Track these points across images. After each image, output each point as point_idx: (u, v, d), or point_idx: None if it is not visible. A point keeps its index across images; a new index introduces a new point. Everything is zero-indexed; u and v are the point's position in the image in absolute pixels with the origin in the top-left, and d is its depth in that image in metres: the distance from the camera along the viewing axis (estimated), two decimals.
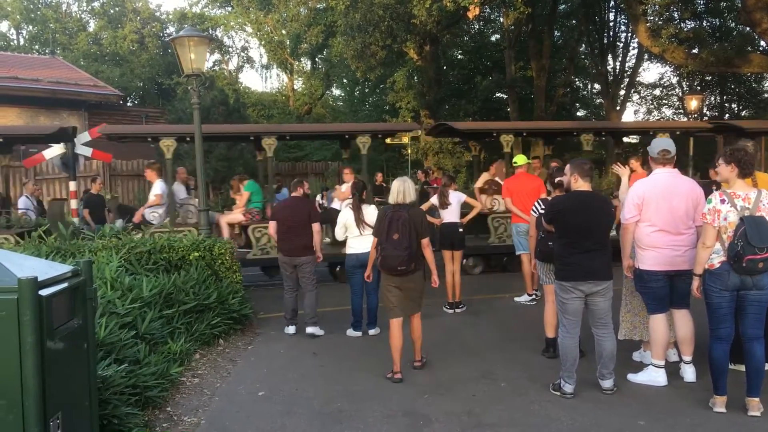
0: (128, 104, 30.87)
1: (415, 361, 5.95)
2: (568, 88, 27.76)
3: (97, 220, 11.61)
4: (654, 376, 5.29)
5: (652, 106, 33.09)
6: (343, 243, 7.51)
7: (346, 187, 10.72)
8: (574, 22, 26.45)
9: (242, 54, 40.69)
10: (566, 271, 5.03)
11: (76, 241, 7.55)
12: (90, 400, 3.49)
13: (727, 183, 4.69)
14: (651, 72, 69.02)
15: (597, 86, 29.37)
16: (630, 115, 48.20)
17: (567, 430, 4.52)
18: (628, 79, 26.49)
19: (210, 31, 34.53)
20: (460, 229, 8.38)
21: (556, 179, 5.98)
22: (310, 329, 7.34)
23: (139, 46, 35.01)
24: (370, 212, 7.09)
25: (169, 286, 6.55)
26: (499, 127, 12.40)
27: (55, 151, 12.21)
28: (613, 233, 5.54)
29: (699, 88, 27.97)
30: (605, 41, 25.31)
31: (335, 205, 10.89)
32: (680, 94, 29.88)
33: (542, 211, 5.90)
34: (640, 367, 5.59)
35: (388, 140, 20.29)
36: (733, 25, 25.02)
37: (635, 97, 32.29)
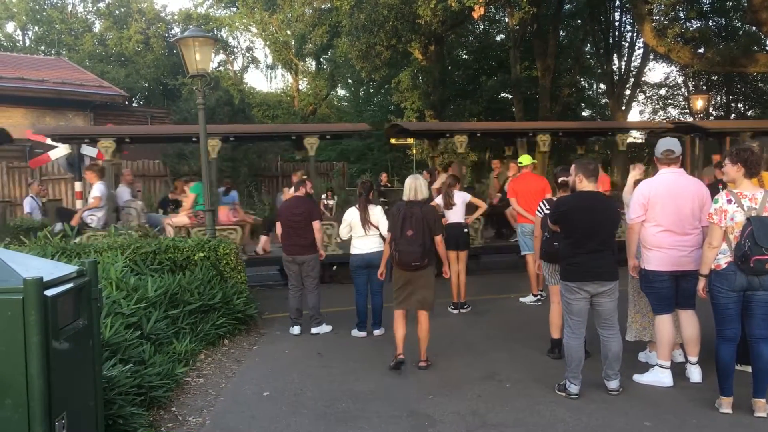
0: (133, 105, 30.92)
1: (420, 361, 5.95)
2: (574, 88, 27.66)
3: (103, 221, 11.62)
4: (660, 377, 5.27)
5: (658, 106, 32.99)
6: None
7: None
8: (579, 21, 26.37)
9: (247, 54, 40.71)
10: (571, 272, 5.01)
11: (80, 242, 7.57)
12: (95, 400, 3.49)
13: (733, 183, 4.67)
14: (657, 72, 69.05)
15: (602, 86, 29.27)
16: (636, 114, 48.09)
17: (572, 430, 4.50)
18: (633, 79, 26.37)
19: (215, 32, 34.58)
20: (465, 230, 8.38)
21: (560, 179, 5.97)
22: (314, 329, 7.36)
23: (144, 47, 35.08)
24: (376, 212, 7.09)
25: (174, 286, 6.57)
26: (451, 128, 12.29)
27: (60, 151, 12.27)
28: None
29: (705, 87, 27.86)
30: (611, 41, 25.21)
31: None
32: (686, 93, 29.77)
33: (547, 212, 5.89)
34: (645, 367, 5.57)
35: (392, 140, 20.27)
36: (739, 24, 24.91)
37: (641, 96, 32.18)
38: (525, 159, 9.26)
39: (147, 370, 4.90)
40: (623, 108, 24.86)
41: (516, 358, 6.19)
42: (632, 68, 26.32)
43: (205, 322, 6.74)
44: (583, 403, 4.96)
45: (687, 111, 29.31)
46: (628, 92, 26.14)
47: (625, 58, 26.12)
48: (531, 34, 23.54)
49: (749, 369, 4.69)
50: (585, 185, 5.12)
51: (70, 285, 3.24)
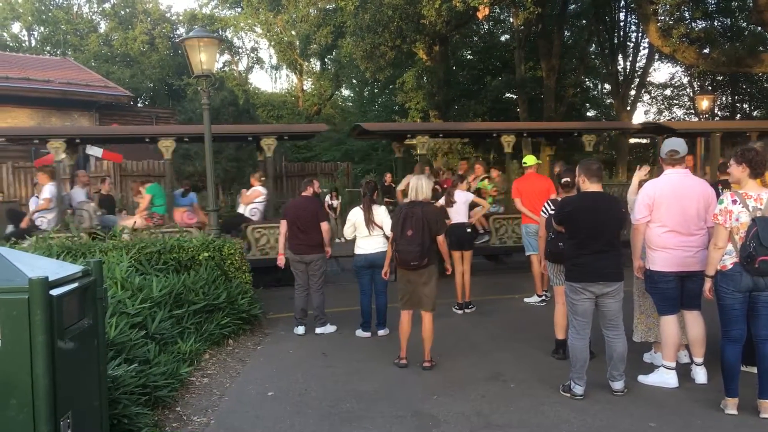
0: (138, 105, 31.01)
1: (424, 362, 5.96)
2: (578, 89, 27.62)
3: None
4: (665, 378, 5.26)
5: (663, 107, 32.93)
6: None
7: (251, 192, 10.71)
8: (584, 21, 26.33)
9: (252, 55, 40.82)
10: (576, 272, 5.01)
11: (86, 241, 7.59)
12: (100, 400, 3.50)
13: (738, 184, 4.66)
14: (662, 72, 68.75)
15: (607, 86, 29.23)
16: (641, 115, 47.98)
17: (577, 431, 4.50)
18: (638, 79, 26.33)
19: (220, 32, 34.62)
20: (468, 230, 8.36)
21: (563, 179, 5.96)
22: (319, 329, 7.38)
23: (149, 47, 35.17)
24: (380, 213, 7.10)
25: (178, 286, 6.58)
26: (412, 129, 12.17)
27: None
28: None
29: (710, 88, 27.79)
30: (615, 41, 25.18)
31: (241, 209, 10.69)
32: (691, 94, 29.70)
33: (552, 212, 5.88)
34: (650, 368, 5.56)
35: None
36: (744, 24, 24.83)
37: (646, 97, 32.14)
38: (529, 159, 9.24)
39: (152, 370, 4.91)
40: (628, 108, 24.81)
41: (520, 359, 6.19)
42: (637, 68, 26.28)
43: (210, 322, 6.75)
44: (587, 403, 4.95)
45: (692, 111, 29.26)
46: (633, 92, 26.10)
47: (630, 59, 26.09)
48: (536, 35, 23.52)
49: (755, 370, 4.67)
50: (588, 186, 5.12)
51: (76, 285, 3.25)
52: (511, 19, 25.33)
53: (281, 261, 7.66)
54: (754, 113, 28.48)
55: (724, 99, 29.36)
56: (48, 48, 36.29)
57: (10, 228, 9.57)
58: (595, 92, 32.00)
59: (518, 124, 16.59)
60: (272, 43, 35.15)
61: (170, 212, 10.26)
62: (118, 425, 4.04)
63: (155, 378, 4.86)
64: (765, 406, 4.52)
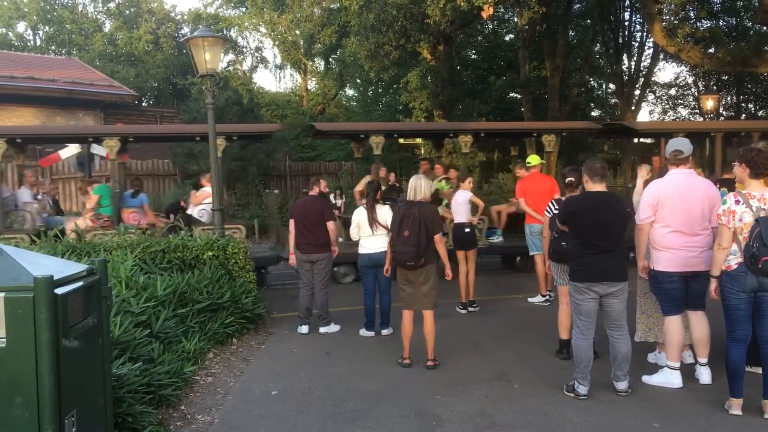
0: (143, 104, 31.05)
1: (428, 361, 5.96)
2: (583, 88, 27.53)
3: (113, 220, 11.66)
4: (669, 378, 5.25)
5: (668, 106, 32.84)
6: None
7: (200, 192, 10.67)
8: (588, 21, 26.24)
9: (256, 54, 40.74)
10: (580, 272, 5.00)
11: (91, 240, 7.60)
12: (104, 398, 3.51)
13: (741, 184, 4.65)
14: (666, 72, 68.59)
15: (612, 86, 29.14)
16: (645, 114, 47.86)
17: (581, 431, 4.49)
18: (643, 79, 26.23)
19: (224, 32, 34.63)
20: (467, 229, 8.35)
21: (567, 179, 5.95)
22: (322, 329, 7.39)
23: (154, 47, 35.20)
24: (384, 212, 7.10)
25: (183, 285, 6.59)
26: (367, 129, 12.06)
27: (71, 150, 12.34)
28: None
29: (715, 87, 27.70)
30: (620, 41, 25.09)
31: (190, 210, 10.59)
32: (696, 93, 29.62)
33: (556, 212, 5.88)
34: (654, 368, 5.55)
35: (401, 140, 20.25)
36: (749, 24, 24.74)
37: (650, 96, 32.05)
38: (533, 159, 9.24)
39: (156, 369, 4.92)
40: (633, 108, 24.74)
41: (524, 359, 6.18)
42: (642, 68, 26.21)
43: (214, 321, 6.76)
44: (591, 404, 4.94)
45: (697, 111, 29.18)
46: (637, 92, 26.01)
47: (635, 58, 26.01)
48: (540, 34, 23.46)
49: (759, 370, 4.66)
50: (591, 186, 5.12)
51: (80, 283, 3.26)
52: (516, 19, 25.27)
53: (293, 260, 7.67)
54: (759, 113, 28.39)
55: (729, 99, 29.26)
56: (53, 47, 36.35)
57: None
58: (600, 92, 31.92)
59: (475, 124, 16.44)
60: (276, 43, 35.13)
61: (116, 213, 10.02)
62: (122, 423, 4.05)
63: (159, 377, 4.87)
64: None
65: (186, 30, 36.62)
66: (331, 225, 7.40)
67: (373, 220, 7.08)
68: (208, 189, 10.56)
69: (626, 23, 25.63)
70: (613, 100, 29.97)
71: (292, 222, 7.57)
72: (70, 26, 36.47)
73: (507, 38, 29.64)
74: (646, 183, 5.77)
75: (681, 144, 5.23)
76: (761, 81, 27.25)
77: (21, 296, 2.83)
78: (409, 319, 6.06)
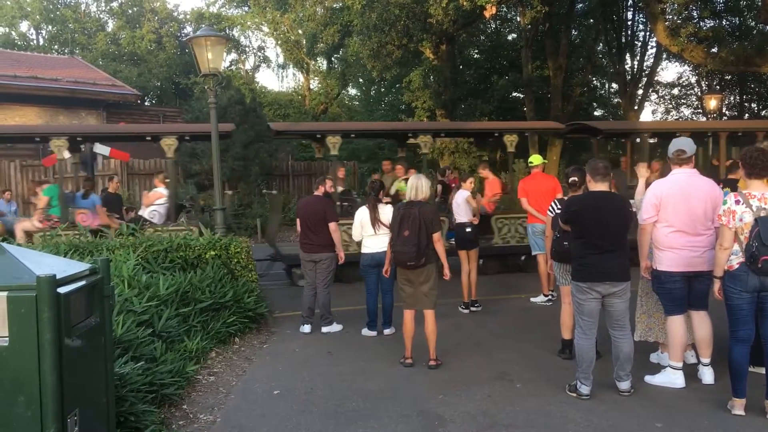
0: (146, 104, 31.08)
1: (430, 361, 5.96)
2: (586, 88, 27.55)
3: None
4: (672, 378, 5.24)
5: (671, 106, 32.83)
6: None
7: (152, 193, 10.61)
8: (591, 21, 26.26)
9: (259, 53, 40.84)
10: (583, 272, 4.99)
11: (93, 239, 7.61)
12: (107, 398, 3.51)
13: (744, 183, 4.66)
14: (669, 71, 68.45)
15: (615, 86, 29.15)
16: (648, 114, 47.82)
17: (583, 431, 4.49)
18: (646, 79, 26.24)
19: (227, 31, 34.68)
20: (467, 229, 8.34)
21: (570, 179, 5.95)
22: (325, 328, 7.39)
23: (156, 46, 35.26)
24: (386, 211, 7.10)
25: (185, 284, 6.60)
26: (322, 129, 11.94)
27: None
28: None
29: (718, 87, 27.67)
30: (623, 40, 25.10)
31: (142, 212, 10.48)
32: (699, 93, 29.59)
33: (559, 211, 5.87)
34: (657, 368, 5.55)
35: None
36: (753, 24, 24.71)
37: (653, 96, 32.05)
38: (536, 159, 9.23)
39: (158, 368, 4.92)
40: (636, 108, 24.74)
41: (526, 359, 6.18)
42: (645, 68, 26.21)
43: (216, 321, 6.77)
44: (594, 403, 4.94)
45: (700, 111, 29.14)
46: (640, 92, 26.02)
47: (638, 58, 26.02)
48: (543, 34, 23.46)
49: (762, 371, 4.65)
50: (593, 185, 5.11)
51: (83, 282, 3.26)
52: (518, 18, 25.26)
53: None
54: (762, 113, 28.35)
55: (732, 98, 29.25)
56: (56, 47, 36.44)
57: None
58: (603, 91, 31.93)
59: (435, 124, 16.40)
60: (279, 42, 35.19)
61: (64, 214, 9.86)
62: (124, 423, 4.05)
63: (162, 376, 4.87)
64: None
65: (189, 29, 36.69)
66: (332, 226, 7.39)
67: (375, 220, 7.08)
68: (160, 190, 10.50)
69: (629, 23, 25.64)
70: (616, 100, 29.98)
71: (298, 221, 7.59)
72: (73, 26, 36.55)
73: (510, 38, 29.66)
74: (648, 182, 5.77)
75: (684, 144, 5.22)
76: (764, 80, 27.21)
77: (23, 295, 2.82)
78: (410, 318, 6.06)
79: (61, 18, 36.79)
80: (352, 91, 38.31)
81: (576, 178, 5.79)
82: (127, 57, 34.99)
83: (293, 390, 5.45)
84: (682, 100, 32.52)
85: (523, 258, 11.13)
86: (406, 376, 5.76)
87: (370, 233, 7.14)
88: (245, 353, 6.64)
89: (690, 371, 5.37)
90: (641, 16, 24.61)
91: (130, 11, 37.74)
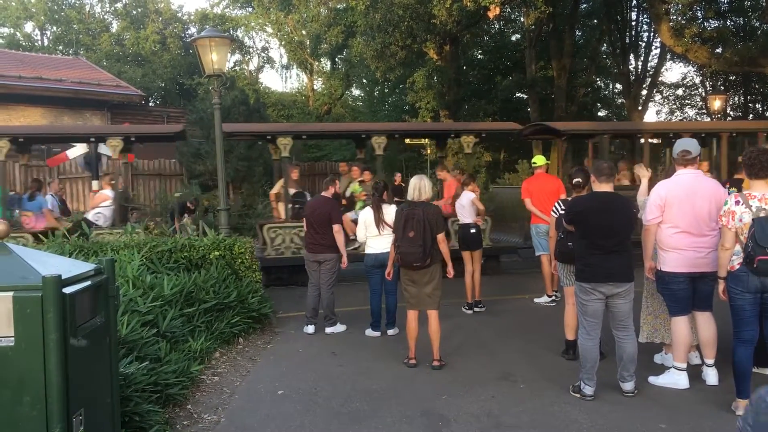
0: (150, 104, 31.14)
1: (433, 361, 5.96)
2: (590, 88, 27.52)
3: (119, 220, 11.69)
4: (676, 379, 5.24)
5: (675, 107, 32.75)
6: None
7: (98, 195, 10.52)
8: (595, 21, 26.23)
9: (263, 54, 40.88)
10: (586, 273, 4.99)
11: (98, 240, 7.63)
12: (112, 397, 3.52)
13: (747, 184, 4.67)
14: (674, 72, 68.36)
15: (619, 86, 29.10)
16: (652, 115, 47.68)
17: None
18: (650, 79, 26.19)
19: (231, 32, 34.72)
20: (472, 230, 8.35)
21: (574, 180, 5.95)
22: (328, 329, 7.40)
23: (160, 47, 35.32)
24: (390, 212, 7.10)
25: (189, 284, 6.61)
26: (272, 130, 11.86)
27: (78, 150, 12.39)
28: None
29: (722, 88, 27.61)
30: (627, 41, 25.05)
31: (89, 215, 10.40)
32: (703, 94, 29.52)
33: (562, 212, 5.87)
34: (661, 369, 5.54)
35: (407, 140, 20.23)
36: (757, 24, 24.65)
37: (657, 97, 31.97)
38: (539, 159, 9.23)
39: (163, 368, 4.94)
40: (639, 108, 24.68)
41: (530, 359, 6.18)
42: (649, 68, 26.16)
43: (220, 321, 6.78)
44: (597, 404, 4.94)
45: (704, 111, 29.07)
46: (644, 92, 25.97)
47: (642, 58, 25.97)
48: (547, 34, 23.45)
49: (766, 372, 4.64)
50: (597, 186, 5.11)
51: (88, 283, 3.27)
52: (522, 19, 25.26)
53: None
54: (767, 114, 28.28)
55: (736, 99, 29.16)
56: (60, 47, 36.53)
57: None
58: (607, 92, 31.89)
59: (389, 125, 16.31)
60: (283, 43, 35.22)
61: (5, 216, 9.63)
62: (129, 422, 4.06)
63: (166, 376, 4.88)
64: None
65: (193, 30, 36.76)
66: (337, 227, 7.39)
67: (380, 220, 7.09)
68: (106, 192, 10.44)
69: (633, 23, 25.59)
70: (620, 101, 29.94)
71: (305, 221, 7.60)
72: (78, 26, 36.64)
73: (513, 38, 29.65)
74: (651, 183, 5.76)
75: (689, 144, 5.22)
76: None
77: (29, 295, 2.84)
78: (414, 319, 6.06)
79: (65, 19, 36.89)
80: (356, 92, 38.33)
81: (580, 179, 5.79)
82: (131, 58, 35.07)
83: (297, 390, 5.46)
84: (687, 101, 32.45)
85: (515, 260, 11.14)
86: (410, 377, 5.77)
87: (374, 234, 7.14)
88: (249, 353, 6.65)
89: (694, 372, 5.36)
90: (645, 16, 24.57)
91: (134, 12, 37.84)
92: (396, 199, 13.29)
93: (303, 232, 7.97)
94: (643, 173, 6.19)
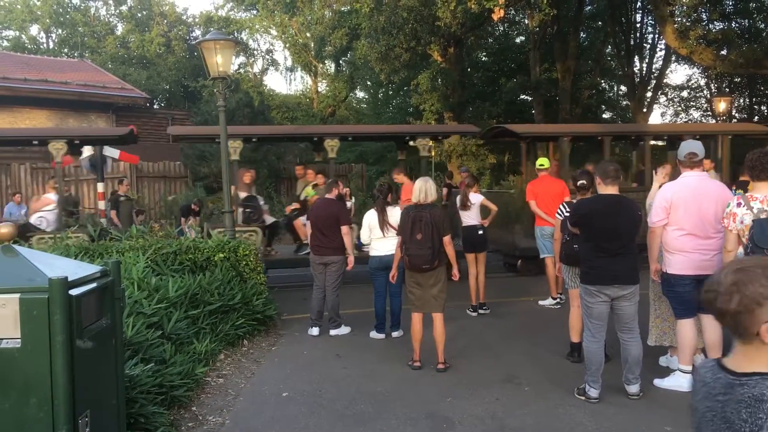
0: (155, 106, 31.21)
1: (438, 364, 5.96)
2: (594, 90, 27.47)
3: (125, 222, 11.74)
4: (681, 381, 5.22)
5: (680, 108, 32.67)
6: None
7: (41, 199, 10.46)
8: (600, 23, 26.19)
9: (267, 57, 40.93)
10: (592, 275, 4.99)
11: (104, 242, 7.65)
12: (117, 399, 3.53)
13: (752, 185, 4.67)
14: (679, 73, 68.17)
15: (623, 88, 29.05)
16: (657, 117, 47.59)
17: None
18: (655, 81, 26.14)
19: (235, 34, 34.78)
20: (480, 231, 8.36)
21: (579, 182, 5.95)
22: (333, 331, 7.40)
23: (165, 49, 35.39)
24: (395, 214, 7.11)
25: (194, 286, 6.62)
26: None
27: (84, 153, 12.40)
28: None
29: (728, 89, 27.53)
30: (632, 42, 24.99)
31: (32, 219, 10.30)
32: (708, 96, 29.45)
33: (567, 214, 5.87)
34: (666, 372, 5.53)
35: (411, 143, 20.19)
36: (762, 26, 24.59)
37: (662, 99, 31.89)
38: (543, 161, 9.22)
39: (168, 370, 4.95)
40: (644, 110, 24.64)
41: (535, 362, 6.17)
42: (654, 70, 26.11)
43: (225, 323, 6.79)
44: (602, 407, 4.93)
45: (709, 113, 29.01)
46: (649, 94, 25.91)
47: (647, 60, 25.91)
48: (551, 36, 23.42)
49: None
50: (603, 188, 5.10)
51: (94, 285, 3.28)
52: (527, 21, 25.24)
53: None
54: None
55: (741, 101, 29.08)
56: (66, 50, 36.65)
57: None
58: (611, 94, 31.81)
59: (341, 127, 16.28)
60: (287, 45, 35.25)
61: None
62: (134, 424, 4.07)
63: (171, 378, 4.89)
64: None
65: (197, 33, 36.82)
66: (345, 229, 7.40)
67: (384, 222, 7.09)
68: (50, 195, 10.39)
69: (638, 25, 25.54)
70: (625, 102, 29.87)
71: (308, 224, 7.60)
72: (83, 29, 36.75)
73: (518, 40, 29.63)
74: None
75: (695, 147, 5.21)
76: None
77: (36, 297, 2.85)
78: (418, 321, 6.06)
79: (70, 21, 37.00)
80: (360, 94, 38.34)
81: (585, 181, 5.78)
82: (136, 60, 35.15)
83: (302, 392, 5.47)
84: (692, 103, 32.37)
85: (519, 262, 11.13)
86: (414, 379, 5.77)
87: (378, 236, 7.15)
88: (254, 355, 6.66)
89: None
90: (650, 18, 24.52)
91: (139, 15, 37.93)
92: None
93: (252, 236, 7.94)
94: (656, 177, 6.19)
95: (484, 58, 30.02)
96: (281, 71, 48.49)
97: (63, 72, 22.38)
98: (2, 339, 2.87)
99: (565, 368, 5.93)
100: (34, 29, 38.13)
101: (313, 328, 7.44)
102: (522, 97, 27.74)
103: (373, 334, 7.30)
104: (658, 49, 26.12)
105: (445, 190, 13.89)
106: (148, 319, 5.47)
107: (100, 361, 3.33)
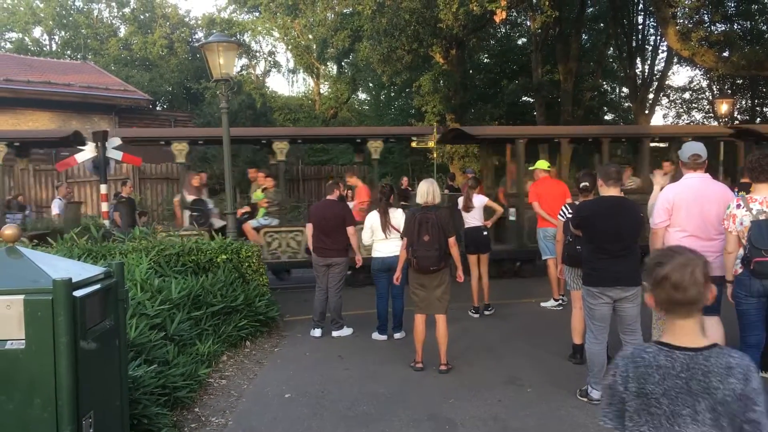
0: (158, 108, 31.25)
1: (440, 365, 5.97)
2: (596, 92, 27.46)
3: (128, 223, 11.75)
4: None
5: (682, 110, 32.66)
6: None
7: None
8: (602, 25, 26.19)
9: (269, 58, 41.00)
10: (594, 277, 4.99)
11: (107, 244, 7.67)
12: (121, 400, 3.55)
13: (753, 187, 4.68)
14: (681, 75, 68.18)
15: (625, 90, 29.04)
16: (659, 118, 47.54)
17: None
18: (657, 83, 26.13)
19: (238, 36, 34.85)
20: (484, 233, 8.38)
21: (582, 183, 5.95)
22: (335, 332, 7.41)
23: (168, 51, 35.47)
24: (397, 216, 7.12)
25: (197, 288, 6.63)
26: (169, 135, 11.68)
27: (87, 154, 12.41)
28: None
29: (730, 91, 27.51)
30: (634, 44, 24.99)
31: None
32: (710, 97, 29.43)
33: (570, 215, 5.87)
34: None
35: (413, 144, 20.23)
36: (764, 28, 24.58)
37: (664, 100, 31.89)
38: (542, 164, 9.23)
39: (171, 371, 4.96)
40: (646, 112, 24.63)
41: (537, 363, 6.18)
42: (656, 72, 26.09)
43: (228, 324, 6.80)
44: None
45: (711, 115, 29.00)
46: (651, 96, 25.91)
47: (649, 62, 25.90)
48: (553, 38, 23.42)
49: None
50: (605, 190, 5.11)
51: (98, 286, 3.30)
52: (528, 23, 25.25)
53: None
54: None
55: (743, 102, 29.07)
56: (69, 52, 36.73)
57: None
58: (613, 96, 31.80)
59: (291, 129, 16.21)
60: (289, 47, 35.32)
61: None
62: (138, 425, 4.08)
63: (174, 379, 4.91)
64: None
65: (200, 35, 36.91)
66: (351, 230, 7.41)
67: (386, 224, 7.10)
68: None
69: (640, 27, 25.54)
70: (627, 104, 29.86)
71: (309, 226, 7.59)
72: (86, 31, 36.83)
73: (519, 42, 29.63)
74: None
75: (698, 148, 5.20)
76: None
77: (40, 298, 2.87)
78: (421, 323, 6.08)
79: (73, 24, 37.09)
80: (362, 96, 38.38)
81: (587, 183, 5.79)
82: (138, 62, 35.24)
83: (304, 393, 5.48)
84: (694, 105, 32.37)
85: (518, 264, 11.13)
86: (417, 380, 5.78)
87: (380, 238, 7.16)
88: (256, 357, 6.67)
89: None
90: (652, 20, 24.52)
91: (142, 17, 38.02)
92: (402, 203, 13.35)
93: (201, 239, 7.95)
94: (657, 180, 6.20)
95: (485, 60, 30.04)
96: (283, 73, 48.43)
97: (66, 74, 22.41)
98: (7, 340, 2.89)
99: (568, 370, 5.93)
100: (38, 31, 38.26)
101: (316, 329, 7.45)
102: (524, 98, 27.74)
103: (376, 336, 7.30)
104: (660, 51, 26.14)
105: (446, 191, 13.91)
106: (151, 321, 5.49)
107: (104, 362, 3.35)
